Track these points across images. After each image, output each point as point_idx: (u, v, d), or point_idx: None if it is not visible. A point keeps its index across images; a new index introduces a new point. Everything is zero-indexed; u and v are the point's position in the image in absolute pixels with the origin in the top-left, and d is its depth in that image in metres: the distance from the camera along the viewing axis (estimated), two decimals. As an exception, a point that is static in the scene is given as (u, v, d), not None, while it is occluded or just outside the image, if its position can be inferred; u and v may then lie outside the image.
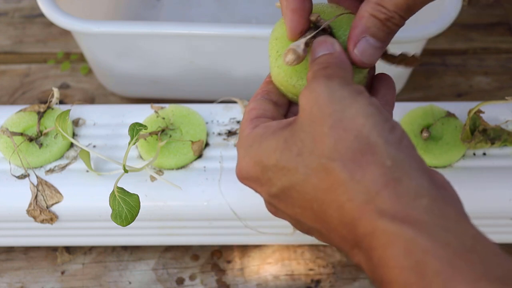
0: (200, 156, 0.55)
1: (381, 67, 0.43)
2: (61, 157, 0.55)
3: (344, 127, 0.33)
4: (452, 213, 0.31)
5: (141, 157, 0.55)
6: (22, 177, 0.53)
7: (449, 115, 0.56)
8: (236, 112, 0.58)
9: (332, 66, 0.36)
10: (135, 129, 0.50)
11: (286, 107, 0.42)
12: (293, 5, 0.39)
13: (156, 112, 0.57)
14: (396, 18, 0.38)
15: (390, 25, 0.38)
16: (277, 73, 0.40)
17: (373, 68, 0.43)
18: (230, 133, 0.56)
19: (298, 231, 0.56)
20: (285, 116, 0.42)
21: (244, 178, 0.38)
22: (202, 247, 0.60)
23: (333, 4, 0.43)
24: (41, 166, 0.54)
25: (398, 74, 0.67)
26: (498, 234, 0.57)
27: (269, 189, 0.36)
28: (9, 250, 0.60)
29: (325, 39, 0.38)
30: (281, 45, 0.40)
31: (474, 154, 0.55)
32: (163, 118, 0.56)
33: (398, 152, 0.32)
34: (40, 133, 0.55)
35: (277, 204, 0.37)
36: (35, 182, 0.53)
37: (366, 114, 0.33)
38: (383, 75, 0.43)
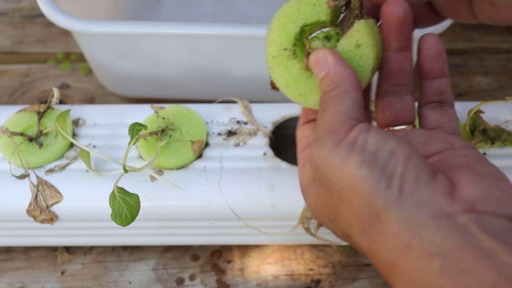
0: (200, 156, 0.55)
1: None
2: (61, 157, 0.55)
3: (347, 199, 0.32)
4: (469, 263, 0.28)
5: (141, 157, 0.55)
6: (22, 177, 0.53)
7: (449, 115, 0.56)
8: (236, 112, 0.58)
9: (327, 104, 0.35)
10: (135, 129, 0.50)
11: None
12: None
13: (156, 112, 0.57)
14: None
15: None
16: (315, 107, 0.39)
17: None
18: (230, 133, 0.56)
19: (297, 231, 0.56)
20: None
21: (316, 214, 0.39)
22: (202, 247, 0.60)
23: None
24: (41, 166, 0.54)
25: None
26: (498, 234, 0.57)
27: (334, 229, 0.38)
28: (9, 250, 0.60)
29: (316, 56, 0.37)
30: (297, 87, 0.39)
31: (474, 154, 0.55)
32: (163, 118, 0.56)
33: (400, 211, 0.30)
34: (40, 133, 0.55)
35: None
36: (35, 182, 0.53)
37: (359, 179, 0.31)
38: (427, 47, 0.40)
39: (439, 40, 0.39)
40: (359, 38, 0.36)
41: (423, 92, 0.41)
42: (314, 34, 0.39)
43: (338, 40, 0.38)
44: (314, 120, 0.42)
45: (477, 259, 0.28)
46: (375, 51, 0.37)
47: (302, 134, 0.42)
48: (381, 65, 0.39)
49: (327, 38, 0.38)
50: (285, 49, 0.38)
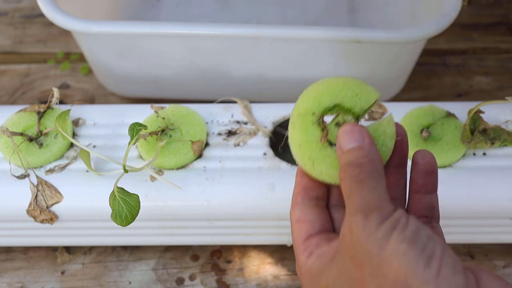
0: (200, 156, 0.55)
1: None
2: (61, 157, 0.55)
3: (383, 273, 0.33)
4: None
5: (141, 157, 0.55)
6: (22, 177, 0.53)
7: (449, 115, 0.56)
8: (236, 112, 0.58)
9: (365, 176, 0.36)
10: (135, 129, 0.50)
11: (326, 194, 0.42)
12: None
13: (156, 112, 0.57)
14: None
15: None
16: (320, 178, 0.40)
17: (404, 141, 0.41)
18: (230, 133, 0.56)
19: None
20: (328, 202, 0.42)
21: None
22: (202, 247, 0.60)
23: (348, 77, 0.41)
24: (41, 166, 0.54)
25: (398, 74, 0.67)
26: (498, 234, 0.57)
27: None
28: (9, 250, 0.60)
29: (352, 127, 0.37)
30: (309, 152, 0.39)
31: (474, 154, 0.55)
32: (163, 118, 0.56)
33: None
34: (40, 133, 0.55)
35: None
36: (35, 182, 0.53)
37: (399, 254, 0.33)
38: (421, 154, 0.42)
39: (433, 158, 0.41)
40: (387, 129, 0.39)
41: (414, 206, 0.42)
42: (333, 116, 0.41)
43: None
44: (317, 198, 0.41)
45: None
46: (393, 145, 0.39)
47: (305, 217, 0.40)
48: None
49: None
50: (313, 114, 0.39)
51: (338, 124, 0.39)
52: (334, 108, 0.39)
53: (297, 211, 0.40)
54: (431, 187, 0.41)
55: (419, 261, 0.32)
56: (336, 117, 0.40)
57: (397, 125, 0.40)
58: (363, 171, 0.36)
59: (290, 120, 0.40)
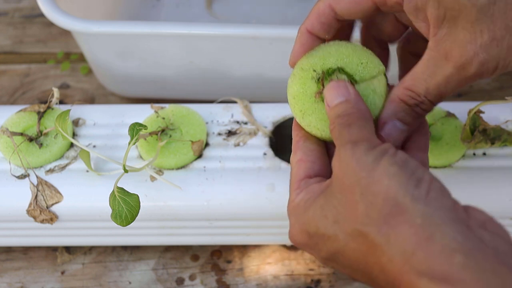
0: (200, 156, 0.55)
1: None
2: (61, 157, 0.55)
3: (372, 192, 0.33)
4: (489, 263, 0.30)
5: (141, 157, 0.55)
6: (22, 177, 0.53)
7: (449, 115, 0.56)
8: (236, 112, 0.58)
9: (353, 120, 0.37)
10: (135, 129, 0.50)
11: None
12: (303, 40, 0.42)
13: (156, 112, 0.57)
14: (426, 103, 0.38)
15: (419, 110, 0.39)
16: (309, 129, 0.41)
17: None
18: (230, 133, 0.56)
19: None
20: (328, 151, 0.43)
21: (296, 243, 0.39)
22: (202, 247, 0.60)
23: (358, 45, 0.42)
24: (41, 166, 0.54)
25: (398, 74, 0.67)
26: (498, 234, 0.57)
27: (318, 254, 0.38)
28: (9, 250, 0.60)
29: (337, 83, 0.39)
30: (302, 103, 0.41)
31: (474, 154, 0.55)
32: (163, 118, 0.56)
33: (426, 207, 0.32)
34: (40, 133, 0.55)
35: (330, 264, 0.38)
36: (35, 182, 0.53)
37: (390, 175, 0.33)
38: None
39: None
40: (377, 88, 0.40)
41: None
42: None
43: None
44: (317, 142, 0.42)
45: (496, 262, 0.30)
46: (382, 103, 0.40)
47: (306, 157, 0.41)
48: None
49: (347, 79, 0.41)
50: (314, 70, 0.41)
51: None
52: (336, 70, 0.41)
53: (299, 152, 0.41)
54: (424, 145, 0.42)
55: (409, 182, 0.33)
56: (332, 76, 0.41)
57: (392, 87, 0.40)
58: (351, 118, 0.37)
59: (292, 72, 0.42)
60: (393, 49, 0.47)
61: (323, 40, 0.42)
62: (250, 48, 0.62)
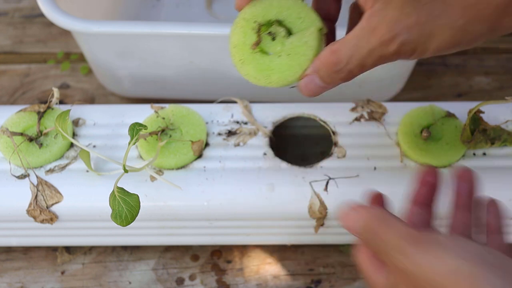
0: (200, 156, 0.55)
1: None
2: (61, 157, 0.55)
3: None
4: None
5: (141, 157, 0.55)
6: (22, 177, 0.53)
7: (449, 115, 0.56)
8: (236, 112, 0.58)
9: (385, 222, 0.38)
10: (135, 129, 0.50)
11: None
12: None
13: (156, 112, 0.57)
14: (345, 71, 0.39)
15: (338, 76, 0.39)
16: (247, 78, 0.44)
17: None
18: (230, 133, 0.56)
19: (298, 231, 0.56)
20: None
21: None
22: (202, 247, 0.60)
23: (300, 1, 0.43)
24: (41, 166, 0.54)
25: (398, 74, 0.67)
26: (498, 234, 0.57)
27: None
28: (9, 250, 0.60)
29: (346, 214, 0.40)
30: (241, 53, 0.43)
31: (474, 154, 0.55)
32: (163, 118, 0.56)
33: None
34: (40, 133, 0.55)
35: None
36: (35, 182, 0.53)
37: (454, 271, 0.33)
38: (493, 203, 0.46)
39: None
40: (309, 40, 0.41)
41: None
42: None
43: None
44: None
45: None
46: (313, 56, 0.41)
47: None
48: None
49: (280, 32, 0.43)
50: (255, 21, 0.43)
51: (270, 34, 0.42)
52: (276, 22, 0.43)
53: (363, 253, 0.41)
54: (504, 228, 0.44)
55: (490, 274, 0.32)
56: (271, 28, 0.43)
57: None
58: (377, 226, 0.38)
59: (234, 21, 0.44)
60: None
61: None
62: (250, 48, 0.62)
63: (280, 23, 0.42)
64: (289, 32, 0.42)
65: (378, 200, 0.45)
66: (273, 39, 0.42)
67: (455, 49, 0.37)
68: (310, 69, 0.41)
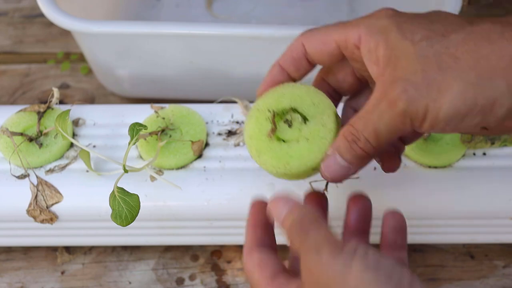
0: (200, 156, 0.55)
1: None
2: (61, 157, 0.55)
3: None
4: None
5: (141, 157, 0.55)
6: (22, 177, 0.53)
7: (449, 115, 0.56)
8: (236, 112, 0.58)
9: (307, 225, 0.37)
10: (135, 129, 0.50)
11: (275, 242, 0.43)
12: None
13: (156, 112, 0.57)
14: (363, 140, 0.38)
15: (356, 148, 0.38)
16: (264, 168, 0.43)
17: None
18: (230, 133, 0.56)
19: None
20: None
21: None
22: (202, 247, 0.60)
23: (312, 87, 0.44)
24: (41, 166, 0.54)
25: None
26: (498, 234, 0.57)
27: None
28: (9, 250, 0.60)
29: (275, 200, 0.39)
30: (258, 143, 0.42)
31: (474, 154, 0.55)
32: (163, 118, 0.56)
33: None
34: (40, 133, 0.55)
35: None
36: (35, 182, 0.53)
37: (365, 282, 0.32)
38: (392, 215, 0.43)
39: (403, 217, 0.43)
40: (326, 122, 0.41)
41: None
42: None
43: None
44: (270, 245, 0.42)
45: None
46: (333, 136, 0.41)
47: (266, 260, 0.41)
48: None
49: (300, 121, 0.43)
50: (269, 111, 0.42)
51: (286, 121, 0.42)
52: (290, 110, 0.42)
53: (256, 253, 0.41)
54: (401, 242, 0.42)
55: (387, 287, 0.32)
56: (286, 115, 0.43)
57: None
58: (304, 224, 0.37)
59: (248, 113, 0.44)
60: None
61: (293, 80, 0.44)
62: (250, 48, 0.62)
63: (294, 110, 0.42)
64: (305, 119, 0.42)
65: (318, 200, 0.45)
66: (290, 126, 0.42)
67: (473, 114, 0.34)
68: (330, 149, 0.40)
